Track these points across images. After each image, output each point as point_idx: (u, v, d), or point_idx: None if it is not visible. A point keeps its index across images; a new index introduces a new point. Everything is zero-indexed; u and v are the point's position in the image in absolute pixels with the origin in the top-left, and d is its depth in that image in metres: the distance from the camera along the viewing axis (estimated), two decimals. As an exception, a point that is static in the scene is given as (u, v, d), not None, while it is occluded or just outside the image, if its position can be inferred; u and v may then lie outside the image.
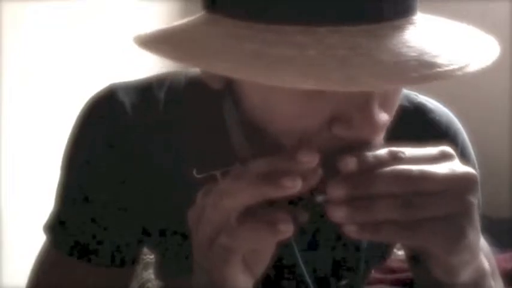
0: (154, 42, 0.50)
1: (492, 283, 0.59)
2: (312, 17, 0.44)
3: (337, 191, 0.47)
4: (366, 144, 0.49)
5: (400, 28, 0.46)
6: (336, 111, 0.48)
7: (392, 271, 1.53)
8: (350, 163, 0.48)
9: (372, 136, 0.49)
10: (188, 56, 0.47)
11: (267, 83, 0.43)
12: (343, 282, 0.72)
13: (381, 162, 0.48)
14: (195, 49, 0.47)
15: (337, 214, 0.47)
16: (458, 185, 0.49)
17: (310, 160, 0.47)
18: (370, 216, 0.47)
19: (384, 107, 0.49)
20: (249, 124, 0.53)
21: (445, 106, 0.72)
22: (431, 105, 0.71)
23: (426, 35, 0.46)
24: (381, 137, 0.51)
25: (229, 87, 0.54)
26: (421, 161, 0.49)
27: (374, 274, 1.18)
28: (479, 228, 0.51)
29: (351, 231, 0.48)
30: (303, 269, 0.64)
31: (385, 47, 0.44)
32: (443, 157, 0.50)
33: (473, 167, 0.72)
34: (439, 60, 0.44)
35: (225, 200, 0.47)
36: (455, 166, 0.49)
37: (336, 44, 0.43)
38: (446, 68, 0.44)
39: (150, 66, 1.58)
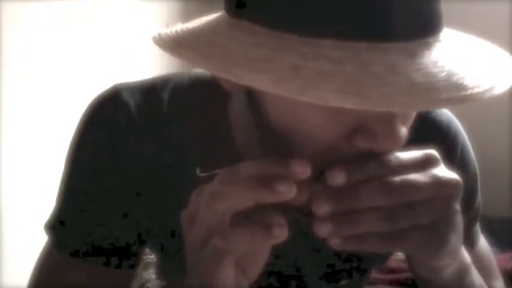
0: (179, 47, 0.49)
1: (474, 273, 0.61)
2: (349, 32, 0.43)
3: (322, 209, 0.47)
4: (384, 155, 0.49)
5: (429, 45, 0.46)
6: (358, 123, 0.48)
7: (392, 271, 1.53)
8: (338, 177, 0.48)
9: (393, 148, 0.49)
10: (222, 66, 0.45)
11: (305, 99, 0.42)
12: (343, 282, 0.73)
13: (368, 174, 0.48)
14: (228, 58, 0.45)
15: (322, 230, 0.47)
16: (443, 192, 0.49)
17: (302, 170, 0.47)
18: (354, 230, 0.48)
19: (404, 121, 0.49)
20: (265, 127, 0.52)
21: (445, 106, 0.72)
22: (432, 106, 0.71)
23: (452, 54, 0.46)
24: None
25: (246, 89, 0.52)
26: (407, 168, 0.49)
27: (374, 274, 1.17)
28: (461, 232, 0.52)
29: (335, 243, 0.48)
30: (311, 272, 0.64)
31: (417, 66, 0.44)
32: (428, 162, 0.50)
33: (473, 167, 0.72)
34: (467, 82, 0.44)
35: (217, 202, 0.47)
36: (439, 172, 0.50)
37: (371, 61, 0.43)
38: (477, 90, 0.44)
39: (150, 66, 1.59)
